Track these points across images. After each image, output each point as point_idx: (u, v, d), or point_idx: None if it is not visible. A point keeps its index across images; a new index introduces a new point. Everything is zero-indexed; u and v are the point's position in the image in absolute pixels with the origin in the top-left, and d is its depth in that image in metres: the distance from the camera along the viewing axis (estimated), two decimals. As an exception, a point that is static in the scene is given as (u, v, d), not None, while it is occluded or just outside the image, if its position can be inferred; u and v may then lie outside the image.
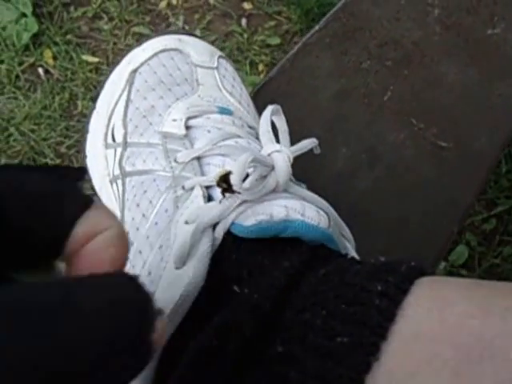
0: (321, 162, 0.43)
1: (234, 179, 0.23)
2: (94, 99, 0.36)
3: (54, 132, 0.83)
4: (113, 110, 0.35)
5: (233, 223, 0.25)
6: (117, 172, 0.33)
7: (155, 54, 0.35)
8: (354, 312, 0.19)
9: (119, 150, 0.33)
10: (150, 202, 0.29)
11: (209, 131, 0.31)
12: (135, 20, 0.91)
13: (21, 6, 0.87)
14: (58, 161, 0.82)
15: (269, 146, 0.26)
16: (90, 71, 0.88)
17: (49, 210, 0.15)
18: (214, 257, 0.24)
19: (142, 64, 0.35)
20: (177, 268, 0.24)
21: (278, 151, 0.26)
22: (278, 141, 0.27)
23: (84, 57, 0.88)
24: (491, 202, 0.90)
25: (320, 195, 0.28)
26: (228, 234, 0.25)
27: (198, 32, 0.93)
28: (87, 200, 0.15)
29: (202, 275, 0.23)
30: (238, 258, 0.24)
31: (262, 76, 0.90)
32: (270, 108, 0.27)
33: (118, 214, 0.32)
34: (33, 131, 0.83)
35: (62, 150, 0.83)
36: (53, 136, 0.83)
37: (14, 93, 0.86)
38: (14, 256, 0.15)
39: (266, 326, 0.21)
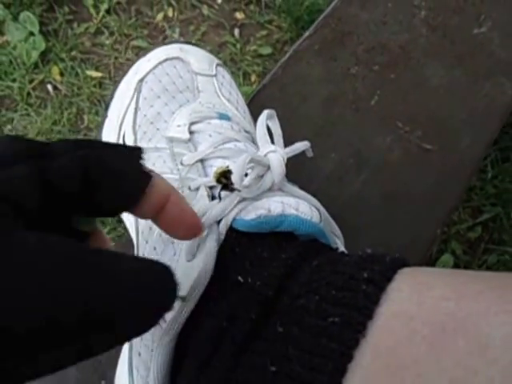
0: (311, 167, 0.43)
1: (234, 178, 0.25)
2: (106, 108, 0.37)
3: (63, 146, 0.84)
4: (123, 118, 0.36)
5: (234, 219, 0.26)
6: None
7: (159, 63, 0.36)
8: (344, 296, 0.21)
9: None
10: None
11: (210, 135, 0.32)
12: (134, 34, 0.92)
13: (28, 24, 0.88)
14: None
15: (265, 146, 0.28)
16: (94, 86, 0.88)
17: (125, 178, 0.19)
18: (219, 250, 0.26)
19: (147, 73, 0.36)
20: (188, 261, 0.26)
21: (273, 151, 0.27)
22: (273, 143, 0.29)
23: (88, 72, 0.89)
24: (477, 210, 0.86)
25: (310, 198, 0.29)
26: (231, 230, 0.26)
27: (193, 44, 0.94)
28: (150, 170, 0.20)
29: (211, 266, 0.25)
30: (240, 251, 0.26)
31: (254, 86, 0.90)
32: (265, 112, 0.29)
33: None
34: (44, 146, 0.84)
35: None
36: (62, 150, 0.84)
37: (26, 110, 0.87)
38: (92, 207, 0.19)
39: (267, 309, 0.23)
